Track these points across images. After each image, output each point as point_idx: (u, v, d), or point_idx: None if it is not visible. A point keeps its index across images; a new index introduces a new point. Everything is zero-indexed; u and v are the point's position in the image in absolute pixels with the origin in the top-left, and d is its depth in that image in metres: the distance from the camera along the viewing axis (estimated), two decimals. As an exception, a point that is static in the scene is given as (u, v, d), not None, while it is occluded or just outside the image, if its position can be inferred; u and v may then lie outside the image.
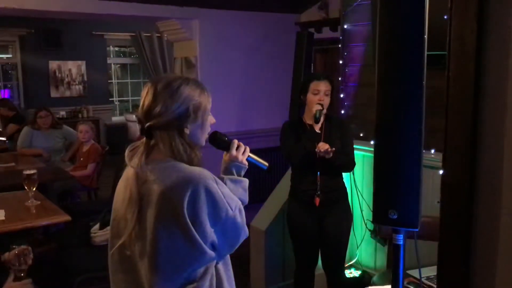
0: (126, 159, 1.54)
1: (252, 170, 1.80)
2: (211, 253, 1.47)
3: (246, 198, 1.69)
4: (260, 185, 3.69)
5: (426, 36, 1.39)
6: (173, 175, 1.45)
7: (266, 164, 1.82)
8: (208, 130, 1.61)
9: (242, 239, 1.58)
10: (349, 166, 3.05)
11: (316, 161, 2.87)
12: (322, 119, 2.95)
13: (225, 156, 1.74)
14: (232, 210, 1.50)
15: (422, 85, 1.40)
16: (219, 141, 1.73)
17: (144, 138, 1.53)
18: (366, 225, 3.67)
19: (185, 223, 1.41)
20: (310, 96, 2.95)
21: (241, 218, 1.54)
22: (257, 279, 3.62)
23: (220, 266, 1.57)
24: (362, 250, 3.84)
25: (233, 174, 1.70)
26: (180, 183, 1.43)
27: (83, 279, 3.24)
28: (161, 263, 1.44)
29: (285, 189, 3.30)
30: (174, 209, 1.41)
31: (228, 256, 1.63)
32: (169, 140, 1.49)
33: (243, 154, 1.73)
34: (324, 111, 2.95)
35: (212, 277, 1.51)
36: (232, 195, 1.56)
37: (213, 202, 1.45)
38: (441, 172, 1.24)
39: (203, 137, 1.60)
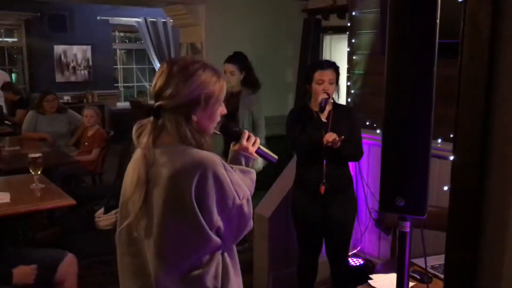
0: (133, 136, 1.52)
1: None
2: (217, 240, 1.45)
3: (253, 190, 1.67)
4: (264, 173, 3.68)
5: (438, 21, 1.37)
6: (182, 159, 1.43)
7: (276, 157, 1.80)
8: (217, 120, 1.58)
9: (246, 231, 1.55)
10: (357, 155, 3.03)
11: (322, 149, 2.86)
12: (329, 107, 2.94)
13: (234, 146, 1.72)
14: (239, 198, 1.48)
15: (433, 73, 1.38)
16: (230, 131, 1.72)
17: (152, 117, 1.51)
18: (370, 214, 3.67)
19: (193, 209, 1.39)
20: (314, 86, 2.93)
21: (248, 208, 1.52)
22: (260, 266, 3.63)
23: (226, 253, 1.55)
24: (366, 239, 3.84)
25: (241, 164, 1.68)
26: (188, 167, 1.42)
27: (87, 263, 3.27)
28: (167, 249, 1.43)
29: (290, 176, 3.29)
30: (182, 194, 1.40)
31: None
32: (176, 124, 1.47)
33: (253, 145, 1.71)
34: (330, 99, 2.93)
35: (218, 264, 1.50)
36: (241, 183, 1.53)
37: (221, 188, 1.43)
38: (451, 158, 1.22)
39: (211, 126, 1.57)
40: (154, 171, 1.46)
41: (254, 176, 1.69)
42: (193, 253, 1.44)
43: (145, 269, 1.49)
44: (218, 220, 1.44)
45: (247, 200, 1.53)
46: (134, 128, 1.54)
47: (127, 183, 1.56)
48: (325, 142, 2.77)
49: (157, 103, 1.47)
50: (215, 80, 1.51)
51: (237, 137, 1.71)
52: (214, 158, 1.46)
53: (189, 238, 1.42)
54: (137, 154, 1.53)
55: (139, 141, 1.51)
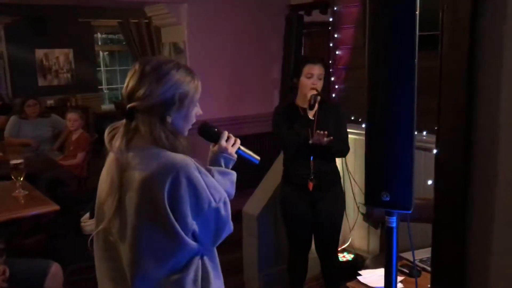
0: (106, 140, 1.49)
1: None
2: (193, 244, 1.42)
3: (233, 191, 1.63)
4: (251, 170, 3.66)
5: (418, 13, 1.35)
6: (155, 162, 1.40)
7: (258, 158, 1.74)
8: (192, 121, 1.55)
9: (226, 234, 1.52)
10: (344, 151, 3.03)
11: (309, 147, 2.85)
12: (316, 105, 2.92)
13: (213, 147, 1.68)
14: (215, 202, 1.44)
15: (414, 66, 1.36)
16: (209, 132, 1.67)
17: (124, 120, 1.47)
18: (358, 208, 3.67)
19: (166, 214, 1.36)
20: (303, 80, 2.91)
21: (225, 211, 1.48)
22: (250, 264, 3.61)
23: (205, 257, 1.50)
24: (355, 234, 3.84)
25: (221, 166, 1.64)
26: (161, 171, 1.38)
27: (74, 269, 3.23)
28: (143, 254, 1.40)
29: (277, 174, 3.27)
30: (154, 199, 1.36)
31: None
32: (150, 125, 1.43)
33: (233, 146, 1.67)
34: (318, 97, 2.92)
35: (197, 268, 1.46)
36: (217, 186, 1.49)
37: (195, 192, 1.39)
38: (434, 151, 1.21)
39: (186, 128, 1.54)
40: (127, 175, 1.42)
41: (234, 177, 1.66)
42: (169, 257, 1.41)
43: (124, 274, 1.46)
44: (193, 224, 1.41)
45: (224, 203, 1.49)
46: (106, 132, 1.50)
47: (101, 187, 1.53)
48: (313, 141, 2.76)
49: (130, 105, 1.44)
50: (189, 79, 1.48)
51: (216, 138, 1.67)
52: (188, 161, 1.42)
53: (164, 243, 1.39)
54: (110, 158, 1.49)
55: (111, 145, 1.47)
